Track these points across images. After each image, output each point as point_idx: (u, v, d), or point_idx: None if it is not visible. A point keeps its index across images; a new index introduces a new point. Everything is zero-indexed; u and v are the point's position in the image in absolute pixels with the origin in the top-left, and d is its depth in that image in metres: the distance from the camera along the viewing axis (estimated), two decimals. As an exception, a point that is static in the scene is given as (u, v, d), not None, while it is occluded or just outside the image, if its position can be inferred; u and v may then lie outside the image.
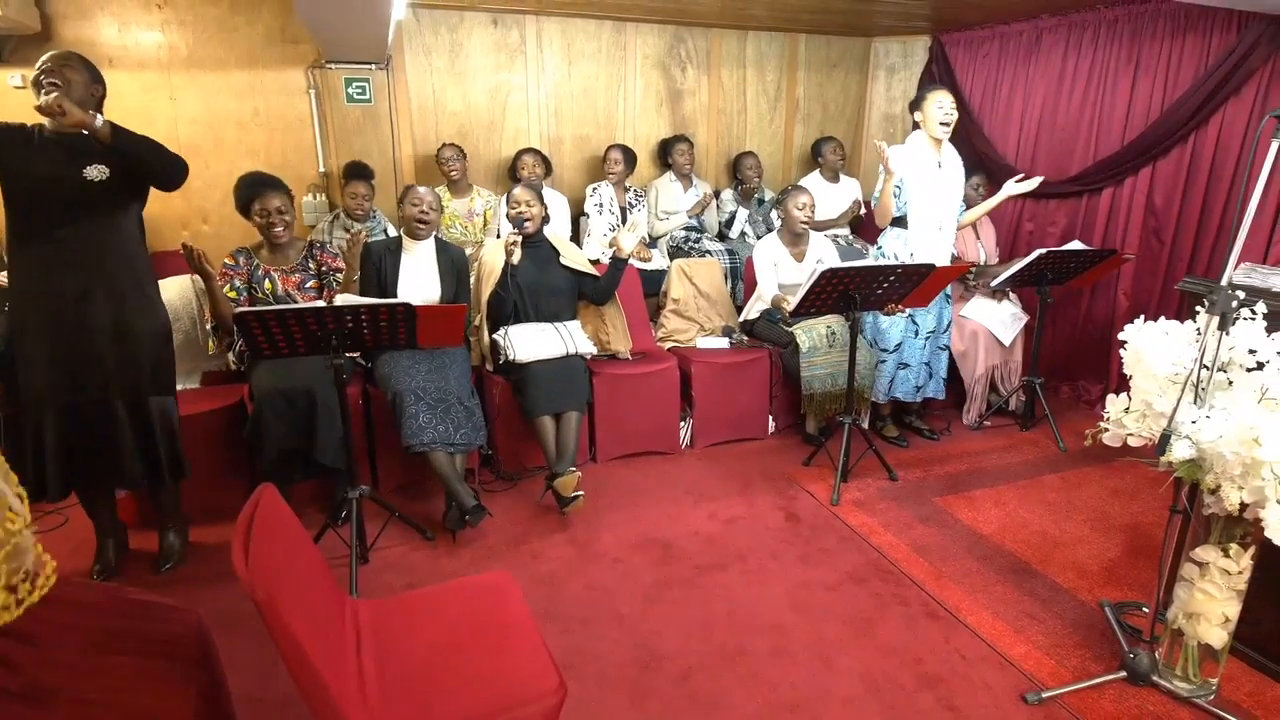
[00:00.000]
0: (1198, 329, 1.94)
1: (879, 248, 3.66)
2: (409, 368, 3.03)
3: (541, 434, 3.16)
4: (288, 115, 4.25)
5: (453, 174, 4.33)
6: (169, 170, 2.42)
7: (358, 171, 4.08)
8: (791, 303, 3.22)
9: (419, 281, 3.26)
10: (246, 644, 2.06)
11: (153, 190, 2.58)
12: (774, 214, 4.87)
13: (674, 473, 3.59)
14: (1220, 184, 3.76)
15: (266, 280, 3.08)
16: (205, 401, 3.11)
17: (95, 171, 2.35)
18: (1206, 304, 1.82)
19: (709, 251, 4.58)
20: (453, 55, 4.57)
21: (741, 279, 4.46)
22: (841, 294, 3.15)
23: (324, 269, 3.16)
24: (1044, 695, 2.12)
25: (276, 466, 2.83)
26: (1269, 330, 1.89)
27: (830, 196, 4.99)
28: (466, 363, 3.27)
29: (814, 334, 3.68)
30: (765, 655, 2.32)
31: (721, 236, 4.94)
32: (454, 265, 3.34)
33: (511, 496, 3.32)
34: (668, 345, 4.09)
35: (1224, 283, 1.82)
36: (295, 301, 3.09)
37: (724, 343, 4.04)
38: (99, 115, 2.26)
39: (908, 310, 3.54)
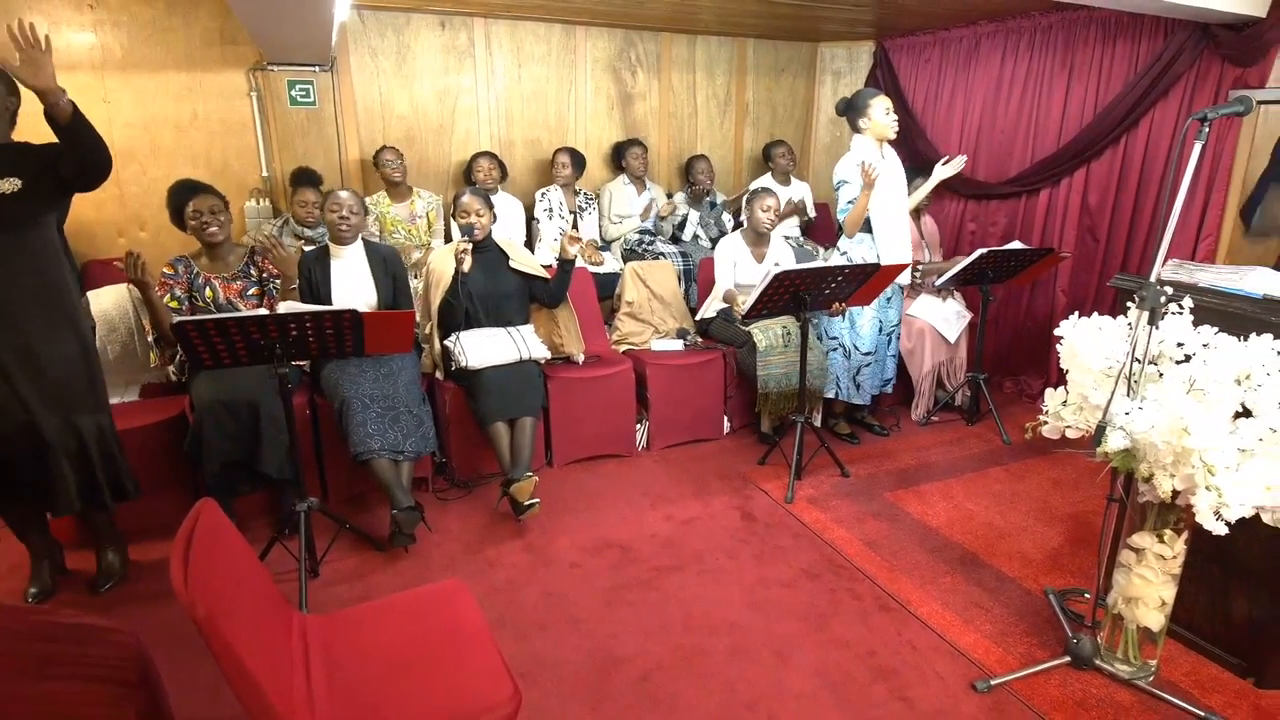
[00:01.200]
0: (1129, 324, 2.02)
1: (844, 253, 3.67)
2: (355, 375, 2.97)
3: (496, 440, 3.12)
4: (228, 118, 4.15)
5: (394, 176, 4.25)
6: (105, 166, 2.30)
7: (307, 178, 3.97)
8: (746, 303, 3.25)
9: (353, 287, 3.18)
10: (193, 664, 1.99)
11: (86, 196, 2.48)
12: (725, 216, 4.93)
13: (631, 475, 3.59)
14: (1150, 184, 3.92)
15: (207, 288, 2.99)
16: (145, 415, 3.01)
17: (6, 184, 2.22)
18: (1137, 300, 1.89)
19: (662, 254, 4.60)
20: (400, 57, 4.50)
21: (695, 281, 4.49)
22: (793, 295, 3.20)
23: (265, 276, 3.08)
24: (992, 683, 2.18)
25: (220, 480, 2.76)
26: (1196, 324, 1.98)
27: (782, 198, 5.06)
28: (415, 369, 3.22)
29: (771, 333, 3.72)
30: (722, 654, 2.33)
31: (674, 239, 4.96)
32: (387, 265, 3.25)
33: (467, 504, 3.28)
34: (622, 348, 4.09)
35: (1153, 279, 1.89)
36: (237, 309, 3.01)
37: (678, 344, 4.06)
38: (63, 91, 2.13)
39: (868, 313, 3.62)
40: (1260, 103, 3.43)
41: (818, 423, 3.93)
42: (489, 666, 1.58)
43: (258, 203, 4.19)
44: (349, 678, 1.59)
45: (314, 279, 3.15)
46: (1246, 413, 1.84)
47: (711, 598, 2.62)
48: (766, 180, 5.12)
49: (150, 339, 3.11)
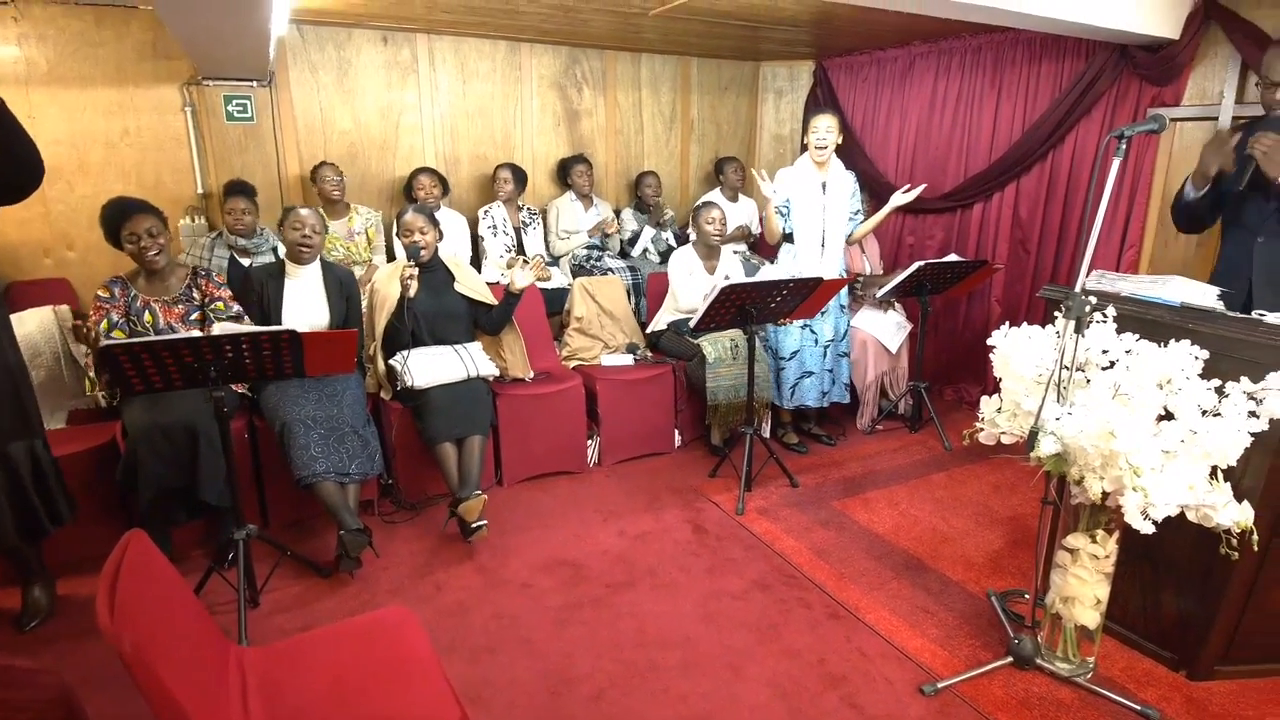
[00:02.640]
0: (1057, 333, 2.09)
1: (774, 263, 3.81)
2: (297, 397, 2.90)
3: (443, 461, 3.08)
4: (161, 134, 4.03)
5: (333, 194, 4.18)
6: (38, 166, 2.18)
7: (237, 187, 3.88)
8: (694, 316, 3.28)
9: (306, 307, 3.13)
10: (124, 704, 1.90)
11: (9, 216, 2.37)
12: (666, 234, 4.99)
13: (582, 492, 3.57)
14: (1077, 197, 4.09)
15: (146, 312, 2.87)
16: (73, 442, 2.87)
17: None
18: (1063, 309, 1.97)
19: (611, 269, 4.62)
20: (341, 73, 4.44)
21: (644, 296, 4.51)
22: (739, 309, 3.24)
23: (208, 299, 2.98)
24: (939, 686, 2.22)
25: (156, 509, 2.65)
26: (1119, 331, 2.07)
27: (730, 214, 5.12)
28: (360, 389, 3.15)
29: (720, 346, 3.75)
30: (676, 669, 2.33)
31: (624, 254, 4.99)
32: (343, 288, 3.21)
33: (415, 527, 3.22)
34: (572, 364, 4.08)
35: (1078, 289, 1.97)
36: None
37: (628, 359, 4.06)
38: None
39: (797, 321, 3.70)
40: (1174, 120, 3.62)
41: (766, 434, 3.99)
42: (435, 694, 1.55)
43: (192, 220, 4.07)
44: (289, 711, 1.54)
45: (265, 297, 3.08)
46: (1169, 415, 1.92)
47: (664, 612, 2.62)
48: (715, 195, 5.18)
49: (90, 373, 2.97)
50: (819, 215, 3.68)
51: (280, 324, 3.02)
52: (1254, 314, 2.07)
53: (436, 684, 1.57)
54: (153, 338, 2.26)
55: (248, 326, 2.73)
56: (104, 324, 2.79)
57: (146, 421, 2.64)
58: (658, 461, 3.92)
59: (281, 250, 3.84)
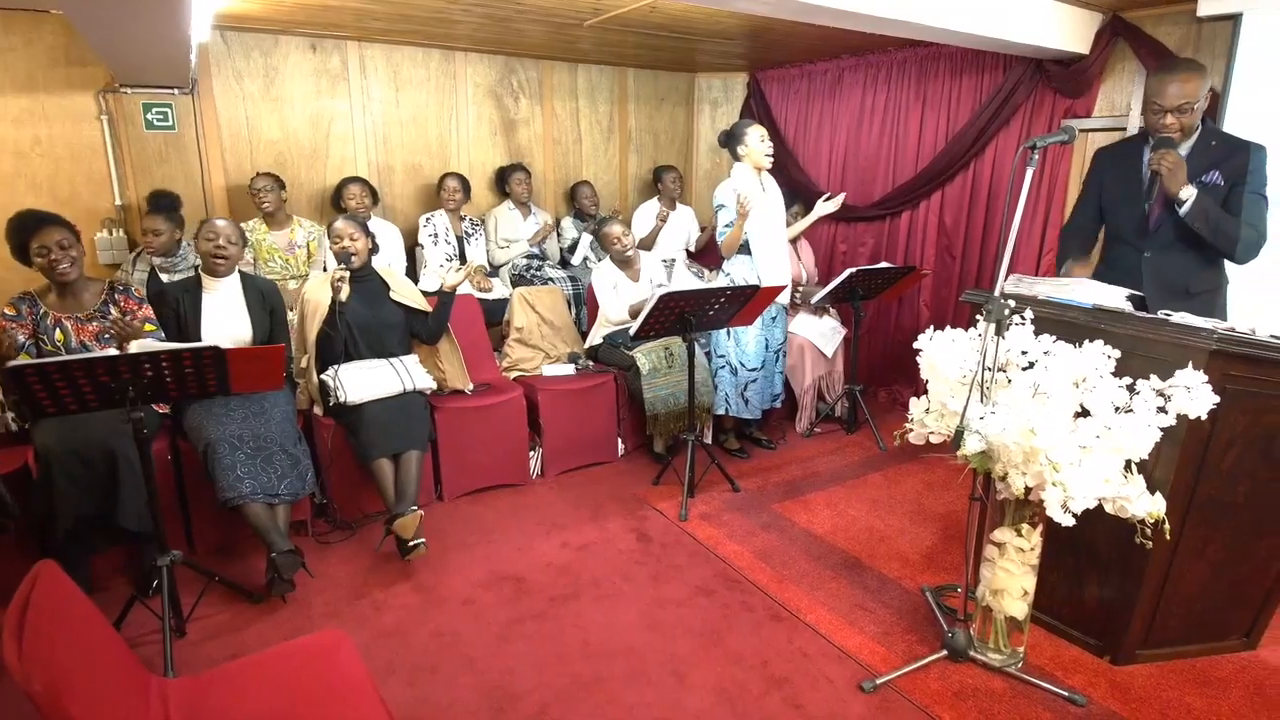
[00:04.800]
0: (979, 335, 2.17)
1: (727, 274, 3.81)
2: (222, 415, 2.79)
3: (379, 477, 3.01)
4: (75, 143, 3.85)
5: (265, 205, 4.05)
6: None
7: (156, 202, 3.70)
8: (634, 324, 3.29)
9: (225, 321, 3.01)
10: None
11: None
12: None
13: (525, 504, 3.54)
14: (997, 204, 4.26)
15: (57, 330, 2.72)
16: (-21, 469, 2.71)
17: None
18: (984, 312, 2.04)
19: (551, 279, 4.60)
20: (267, 80, 4.33)
21: (585, 305, 4.51)
22: (679, 317, 3.26)
23: (127, 316, 2.83)
24: (878, 682, 2.27)
25: (73, 537, 2.52)
26: (1036, 333, 2.15)
27: (670, 222, 5.15)
28: (290, 406, 3.05)
29: (654, 356, 3.78)
30: (620, 679, 2.32)
31: (564, 263, 4.97)
32: (265, 299, 3.10)
33: (350, 546, 3.13)
34: (513, 374, 4.05)
35: (997, 293, 2.05)
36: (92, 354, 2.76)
37: (570, 369, 4.05)
38: None
39: (755, 333, 3.75)
40: (1085, 130, 3.80)
41: (709, 440, 4.02)
42: (370, 718, 1.51)
43: (110, 233, 3.90)
44: (216, 742, 1.48)
45: (182, 312, 2.95)
46: (1085, 413, 2.01)
47: (609, 623, 2.61)
48: (653, 204, 5.20)
49: None
50: (771, 221, 3.72)
51: (199, 340, 2.90)
52: (1160, 314, 2.18)
53: (371, 708, 1.53)
54: (65, 357, 2.14)
55: (167, 344, 2.62)
56: (6, 344, 2.63)
57: (60, 445, 2.52)
58: (601, 471, 3.92)
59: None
